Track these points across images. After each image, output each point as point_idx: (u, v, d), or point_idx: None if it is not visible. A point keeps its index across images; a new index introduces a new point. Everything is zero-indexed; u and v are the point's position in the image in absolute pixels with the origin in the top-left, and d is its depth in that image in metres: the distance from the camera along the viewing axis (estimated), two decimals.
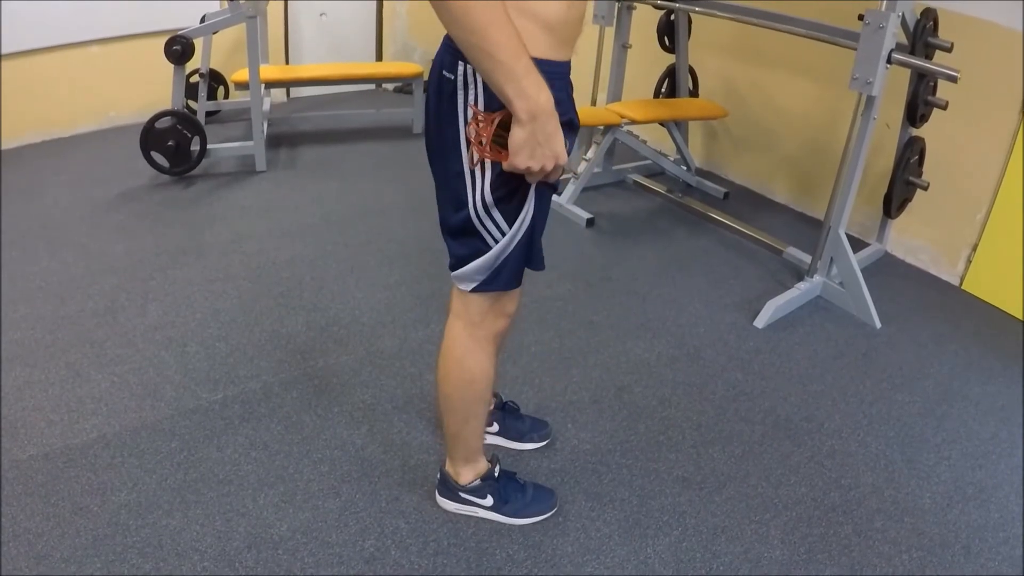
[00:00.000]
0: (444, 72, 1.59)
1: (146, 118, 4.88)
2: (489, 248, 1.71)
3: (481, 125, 1.50)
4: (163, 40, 4.93)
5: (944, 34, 3.62)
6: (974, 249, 4.05)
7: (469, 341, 1.89)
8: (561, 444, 2.57)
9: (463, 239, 1.74)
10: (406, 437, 2.54)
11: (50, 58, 5.51)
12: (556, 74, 1.55)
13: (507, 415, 2.53)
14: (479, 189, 1.63)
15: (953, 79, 3.14)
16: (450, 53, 1.56)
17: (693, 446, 2.61)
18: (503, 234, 1.70)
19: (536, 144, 1.42)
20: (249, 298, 3.33)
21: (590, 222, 4.34)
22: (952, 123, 3.90)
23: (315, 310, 3.25)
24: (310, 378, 2.82)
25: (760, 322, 3.46)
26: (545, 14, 1.49)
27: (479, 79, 1.52)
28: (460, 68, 1.54)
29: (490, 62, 1.33)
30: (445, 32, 1.42)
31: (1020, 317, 3.82)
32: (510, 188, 1.63)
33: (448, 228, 1.78)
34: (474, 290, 1.80)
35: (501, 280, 1.78)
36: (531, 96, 1.36)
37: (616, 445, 2.59)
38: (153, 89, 5.57)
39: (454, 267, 1.79)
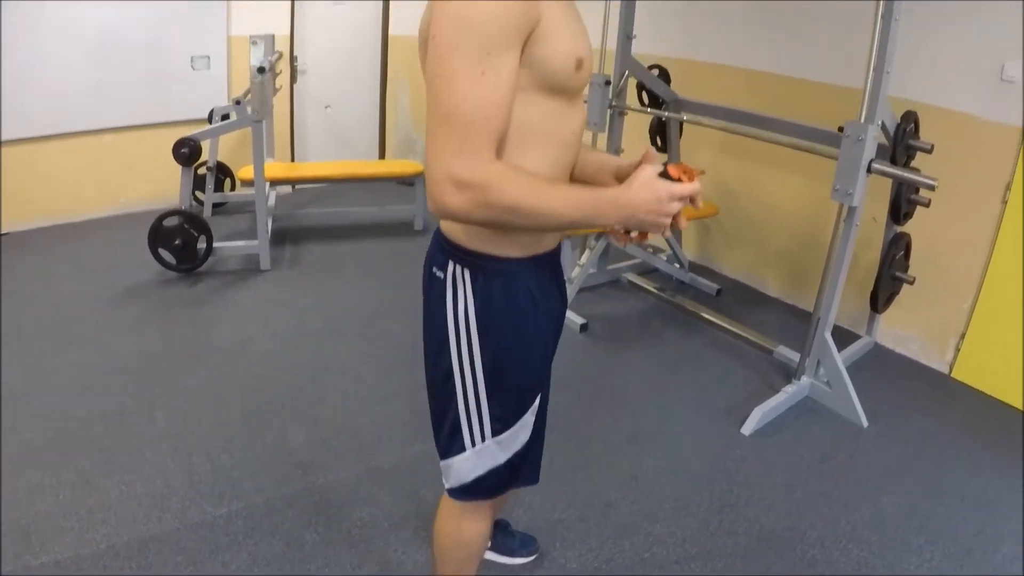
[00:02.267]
0: (434, 269, 1.61)
1: (155, 206, 5.07)
2: (466, 449, 1.67)
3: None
4: (173, 130, 5.16)
5: (925, 125, 3.82)
6: (962, 337, 4.21)
7: (463, 512, 1.84)
8: (549, 563, 2.66)
9: (447, 437, 1.70)
10: (401, 556, 2.63)
11: (65, 144, 5.76)
12: (531, 268, 1.58)
13: (498, 531, 2.62)
14: (469, 392, 1.62)
15: (931, 187, 3.32)
16: (441, 251, 1.58)
17: (676, 562, 2.70)
18: (484, 439, 1.67)
19: (644, 220, 1.39)
20: (252, 408, 3.45)
21: (584, 327, 4.46)
22: (936, 216, 4.08)
23: (316, 423, 3.36)
24: (311, 494, 2.92)
25: (747, 429, 3.54)
26: None
27: (468, 280, 1.54)
28: (450, 268, 1.56)
29: (568, 224, 1.36)
30: None
31: (1009, 402, 3.97)
32: (503, 397, 1.64)
33: (434, 417, 1.75)
34: (451, 493, 1.77)
35: (483, 488, 1.73)
36: (607, 216, 1.37)
37: (602, 563, 2.67)
38: (163, 176, 5.78)
39: (440, 455, 1.75)
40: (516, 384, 1.65)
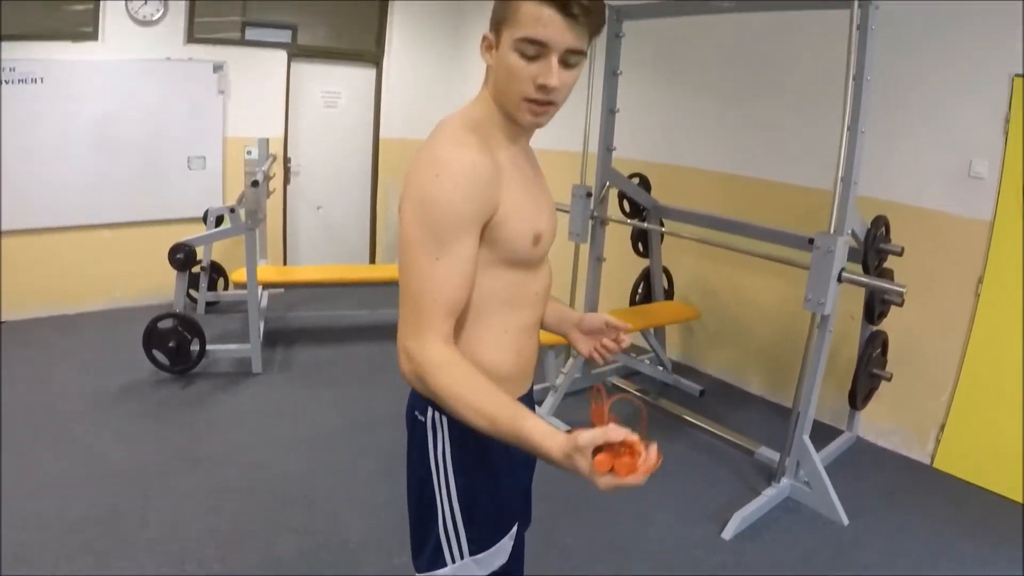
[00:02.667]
0: (416, 412, 1.70)
1: (148, 301, 5.22)
2: (447, 565, 1.72)
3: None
4: (168, 228, 5.35)
5: (897, 223, 4.03)
6: (942, 428, 4.37)
7: None
8: None
9: (429, 554, 1.75)
10: None
11: (64, 237, 5.98)
12: None
13: None
14: (448, 520, 1.70)
15: (899, 296, 3.49)
16: (420, 397, 1.65)
17: None
18: (463, 557, 1.71)
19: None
20: (244, 516, 3.53)
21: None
22: (912, 311, 4.26)
23: (306, 533, 3.44)
24: None
25: (728, 533, 3.61)
26: (495, 368, 1.62)
27: (446, 425, 1.64)
28: (429, 413, 1.65)
29: (492, 430, 1.40)
30: None
31: (992, 489, 4.11)
32: (480, 525, 1.71)
33: (415, 536, 1.80)
34: None
35: None
36: (543, 451, 1.34)
37: None
38: (157, 272, 5.91)
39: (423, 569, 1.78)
40: (492, 515, 1.77)
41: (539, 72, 1.45)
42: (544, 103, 1.49)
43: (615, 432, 1.29)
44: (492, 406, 1.40)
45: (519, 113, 1.52)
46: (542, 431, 1.36)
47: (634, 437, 1.32)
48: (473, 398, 1.41)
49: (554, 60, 1.43)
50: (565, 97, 1.52)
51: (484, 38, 1.54)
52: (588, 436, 1.28)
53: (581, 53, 1.47)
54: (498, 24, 1.49)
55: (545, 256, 1.72)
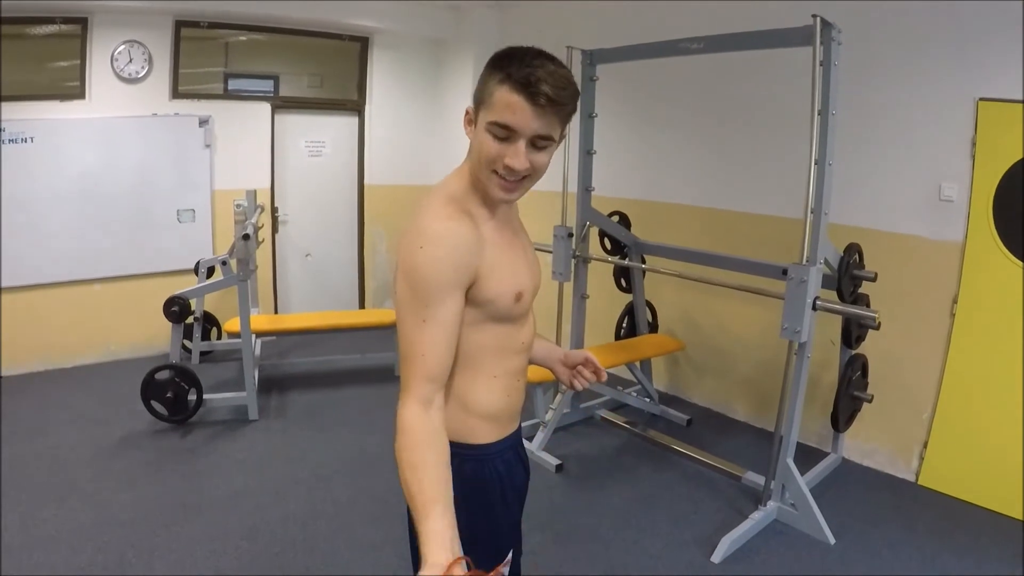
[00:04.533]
0: None
1: (143, 353, 5.31)
2: None
3: None
4: (160, 281, 5.49)
5: (870, 249, 4.17)
6: (925, 446, 4.49)
7: None
8: None
9: None
10: None
11: (57, 293, 6.09)
12: (497, 452, 1.84)
13: None
14: None
15: (872, 320, 3.61)
16: None
17: None
18: None
19: None
20: (247, 560, 3.62)
21: (559, 468, 4.65)
22: (890, 333, 4.36)
23: (307, 573, 3.53)
24: None
25: (716, 557, 3.71)
26: (487, 409, 1.79)
27: None
28: None
29: (411, 503, 1.49)
30: None
31: (975, 502, 4.24)
32: (477, 556, 1.76)
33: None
34: None
35: None
36: (423, 552, 1.40)
37: None
38: (150, 325, 6.13)
39: None
40: (487, 546, 1.87)
41: (507, 153, 1.61)
42: (512, 181, 1.65)
43: None
44: (417, 486, 1.49)
45: (491, 190, 1.68)
46: (436, 538, 1.42)
47: None
48: (410, 472, 1.51)
49: (521, 144, 1.59)
50: (541, 173, 1.68)
51: (466, 112, 1.71)
52: None
53: (550, 139, 1.62)
54: (477, 104, 1.66)
55: (529, 309, 1.86)
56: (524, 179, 1.66)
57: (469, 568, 1.41)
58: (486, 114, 1.61)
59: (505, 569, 1.48)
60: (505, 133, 1.59)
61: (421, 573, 1.36)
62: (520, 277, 1.77)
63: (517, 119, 1.57)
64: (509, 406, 1.87)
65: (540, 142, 1.61)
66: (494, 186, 1.66)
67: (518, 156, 1.59)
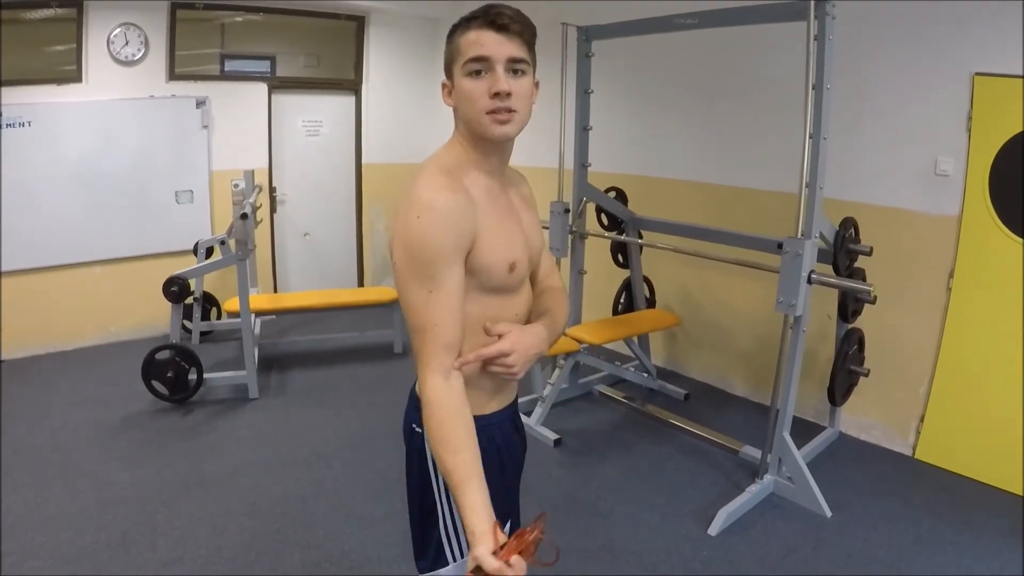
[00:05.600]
0: (413, 425, 1.85)
1: (143, 334, 5.33)
2: (449, 563, 1.86)
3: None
4: (160, 262, 5.52)
5: (867, 223, 4.17)
6: (922, 420, 4.51)
7: None
8: None
9: (433, 555, 1.89)
10: None
11: (56, 276, 6.10)
12: (495, 423, 1.87)
13: None
14: (448, 523, 1.85)
15: (867, 295, 3.63)
16: (417, 410, 1.76)
17: None
18: (463, 555, 1.84)
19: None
20: (249, 535, 3.66)
21: (557, 442, 4.68)
22: (887, 308, 4.40)
23: (308, 547, 3.57)
24: None
25: (714, 529, 3.75)
26: (482, 380, 1.79)
27: None
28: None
29: (447, 477, 1.61)
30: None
31: (972, 476, 4.27)
32: None
33: (418, 541, 1.95)
34: None
35: None
36: (467, 525, 1.53)
37: None
38: (150, 306, 6.16)
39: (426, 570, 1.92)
40: None
41: (490, 84, 1.63)
42: (504, 111, 1.65)
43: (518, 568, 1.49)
44: (452, 461, 1.59)
45: (486, 129, 1.67)
46: (479, 508, 1.55)
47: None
48: (442, 448, 1.59)
49: (499, 69, 1.62)
50: (528, 107, 1.70)
51: (443, 85, 1.74)
52: (494, 565, 1.46)
53: (524, 61, 1.65)
54: (448, 66, 1.70)
55: (524, 280, 1.87)
56: (513, 112, 1.66)
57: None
58: (458, 63, 1.65)
59: (536, 533, 1.55)
60: (480, 66, 1.62)
61: (472, 544, 1.50)
62: (515, 247, 1.77)
63: (487, 48, 1.61)
64: (503, 379, 1.86)
65: (515, 66, 1.64)
66: (488, 124, 1.66)
67: (499, 80, 1.61)
